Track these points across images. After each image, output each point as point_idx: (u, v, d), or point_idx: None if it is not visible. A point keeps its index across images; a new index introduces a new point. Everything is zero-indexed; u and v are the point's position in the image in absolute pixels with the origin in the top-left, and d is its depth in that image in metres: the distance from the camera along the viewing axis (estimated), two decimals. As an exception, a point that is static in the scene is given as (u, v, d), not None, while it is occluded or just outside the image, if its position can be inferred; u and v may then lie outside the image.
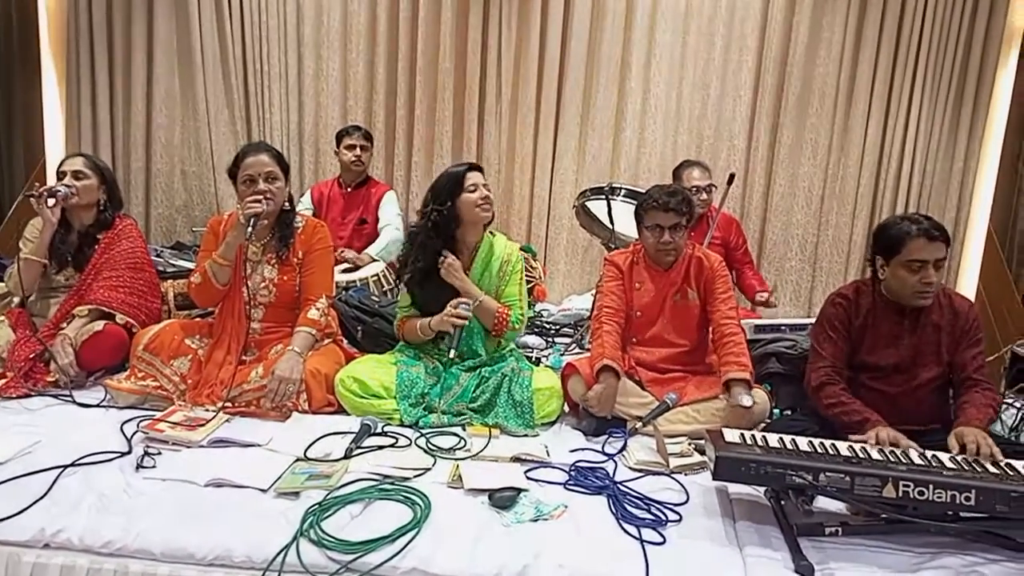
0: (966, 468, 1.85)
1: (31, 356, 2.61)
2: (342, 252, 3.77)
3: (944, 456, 1.92)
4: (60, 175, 2.84)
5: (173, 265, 3.58)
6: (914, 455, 1.91)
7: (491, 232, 2.79)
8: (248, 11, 4.49)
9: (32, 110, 4.51)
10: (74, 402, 2.52)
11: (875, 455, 1.91)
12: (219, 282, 2.64)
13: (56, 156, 4.61)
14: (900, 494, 1.77)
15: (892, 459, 1.89)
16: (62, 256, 2.85)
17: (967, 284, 4.47)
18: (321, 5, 4.54)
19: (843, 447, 1.96)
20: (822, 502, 1.96)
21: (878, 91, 4.35)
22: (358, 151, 3.97)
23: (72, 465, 2.01)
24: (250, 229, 2.52)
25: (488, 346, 2.73)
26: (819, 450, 1.92)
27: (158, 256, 3.69)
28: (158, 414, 2.37)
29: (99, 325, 2.71)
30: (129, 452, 2.13)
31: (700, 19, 4.42)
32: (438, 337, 2.71)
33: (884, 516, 1.85)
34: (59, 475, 1.95)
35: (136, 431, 2.26)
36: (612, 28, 4.42)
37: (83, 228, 2.88)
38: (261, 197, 2.56)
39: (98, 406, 2.51)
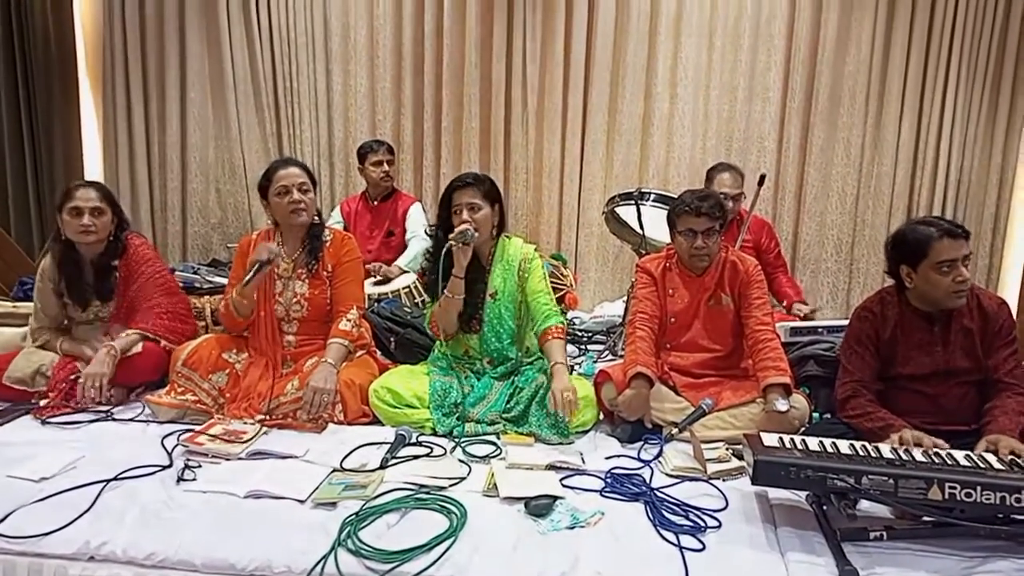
0: (1015, 469, 1.80)
1: (72, 377, 2.65)
2: (378, 267, 3.80)
3: (991, 456, 1.87)
4: (75, 211, 2.70)
5: (210, 282, 3.64)
6: (960, 456, 1.86)
7: (506, 235, 2.80)
8: (277, 30, 4.58)
9: (71, 132, 4.63)
10: (111, 418, 2.56)
11: (919, 457, 1.86)
12: (241, 315, 2.68)
13: (95, 177, 4.73)
14: (946, 496, 1.72)
15: (937, 460, 1.84)
16: (83, 296, 2.82)
17: (1009, 281, 4.36)
18: (348, 22, 4.61)
19: (886, 449, 1.91)
20: (866, 506, 1.91)
21: (911, 86, 4.26)
22: (385, 166, 4.01)
23: (115, 479, 2.05)
24: (251, 276, 2.55)
25: (519, 350, 2.74)
26: (861, 452, 1.89)
27: (195, 273, 3.76)
28: (197, 427, 2.40)
29: (139, 347, 2.76)
30: (170, 465, 2.17)
31: (726, 21, 4.39)
32: (466, 330, 2.71)
33: (930, 519, 1.80)
34: (102, 489, 1.98)
35: (176, 445, 2.29)
36: (637, 32, 4.41)
37: (95, 258, 2.81)
38: (266, 251, 2.59)
39: (138, 421, 2.55)
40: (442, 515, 1.89)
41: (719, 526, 1.90)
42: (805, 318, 3.51)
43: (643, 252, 3.45)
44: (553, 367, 2.51)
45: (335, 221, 4.11)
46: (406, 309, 3.39)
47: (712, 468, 2.20)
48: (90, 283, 2.83)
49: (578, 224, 4.68)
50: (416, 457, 2.26)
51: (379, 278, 3.77)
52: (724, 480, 2.17)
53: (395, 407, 2.53)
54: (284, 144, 4.73)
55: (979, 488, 1.71)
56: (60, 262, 2.80)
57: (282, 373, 2.69)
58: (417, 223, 4.04)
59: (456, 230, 2.56)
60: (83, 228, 2.72)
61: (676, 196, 2.80)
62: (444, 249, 2.57)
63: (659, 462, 2.28)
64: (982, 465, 1.82)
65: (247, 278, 2.57)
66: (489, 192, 2.67)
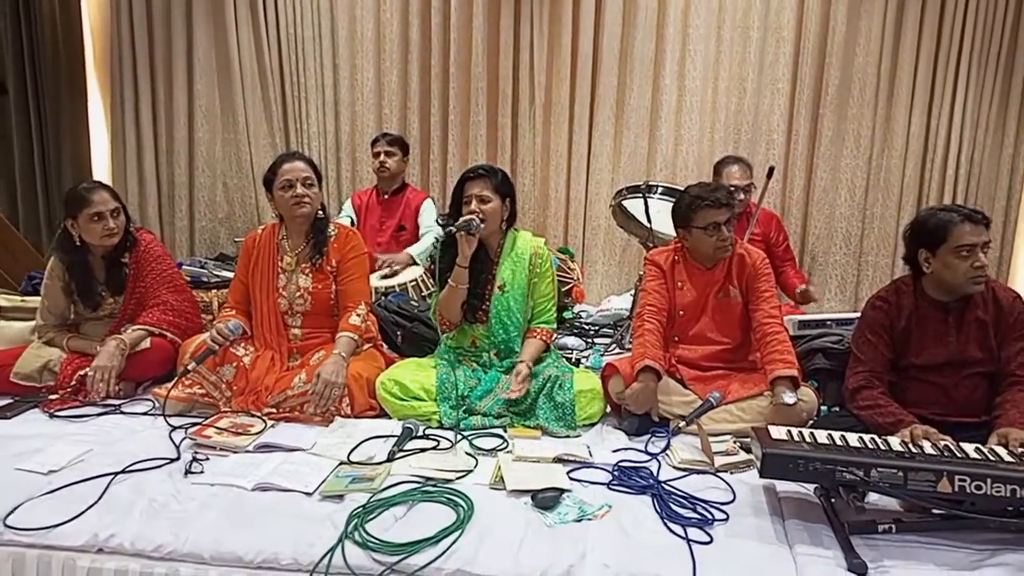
0: (1026, 461, 1.79)
1: (81, 373, 2.66)
2: (379, 260, 3.80)
3: (1001, 449, 1.86)
4: (98, 217, 2.70)
5: (217, 276, 3.65)
6: (969, 448, 1.85)
7: (516, 229, 2.80)
8: (284, 25, 4.59)
9: (79, 127, 4.66)
10: (119, 411, 2.57)
11: (929, 449, 1.85)
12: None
13: (102, 172, 4.76)
14: (956, 489, 1.71)
15: (947, 453, 1.83)
16: (95, 297, 2.83)
17: (1020, 273, 4.32)
18: (355, 16, 4.60)
19: (895, 442, 1.90)
20: (874, 498, 1.90)
21: (921, 77, 4.23)
22: (382, 157, 4.01)
23: (123, 472, 2.06)
24: (195, 363, 2.55)
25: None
26: (870, 445, 1.87)
27: (202, 267, 3.77)
28: (205, 420, 2.41)
29: (147, 343, 2.78)
30: (178, 458, 2.17)
31: (735, 12, 4.36)
32: (472, 323, 2.73)
33: (939, 512, 1.79)
34: (111, 482, 1.99)
35: (184, 438, 2.30)
36: (645, 24, 4.39)
37: (106, 253, 2.82)
38: (222, 339, 2.60)
39: (146, 414, 2.56)
40: (449, 508, 1.89)
41: (727, 519, 1.89)
42: (803, 294, 3.49)
43: (650, 245, 3.44)
44: (517, 363, 2.58)
45: (346, 213, 4.12)
46: (413, 303, 3.39)
47: (720, 461, 2.19)
48: (101, 281, 2.84)
49: (585, 217, 4.67)
50: (423, 450, 2.26)
51: (387, 271, 3.77)
52: (732, 473, 2.16)
53: (402, 400, 2.53)
54: (291, 138, 4.74)
55: (989, 481, 1.70)
56: (69, 266, 2.80)
57: (289, 366, 2.70)
58: (430, 219, 4.04)
59: (461, 219, 2.58)
60: (108, 232, 2.74)
61: (683, 189, 2.78)
62: (443, 237, 2.58)
63: (666, 455, 2.27)
64: (992, 458, 1.80)
65: (199, 356, 2.57)
66: (500, 185, 2.67)
